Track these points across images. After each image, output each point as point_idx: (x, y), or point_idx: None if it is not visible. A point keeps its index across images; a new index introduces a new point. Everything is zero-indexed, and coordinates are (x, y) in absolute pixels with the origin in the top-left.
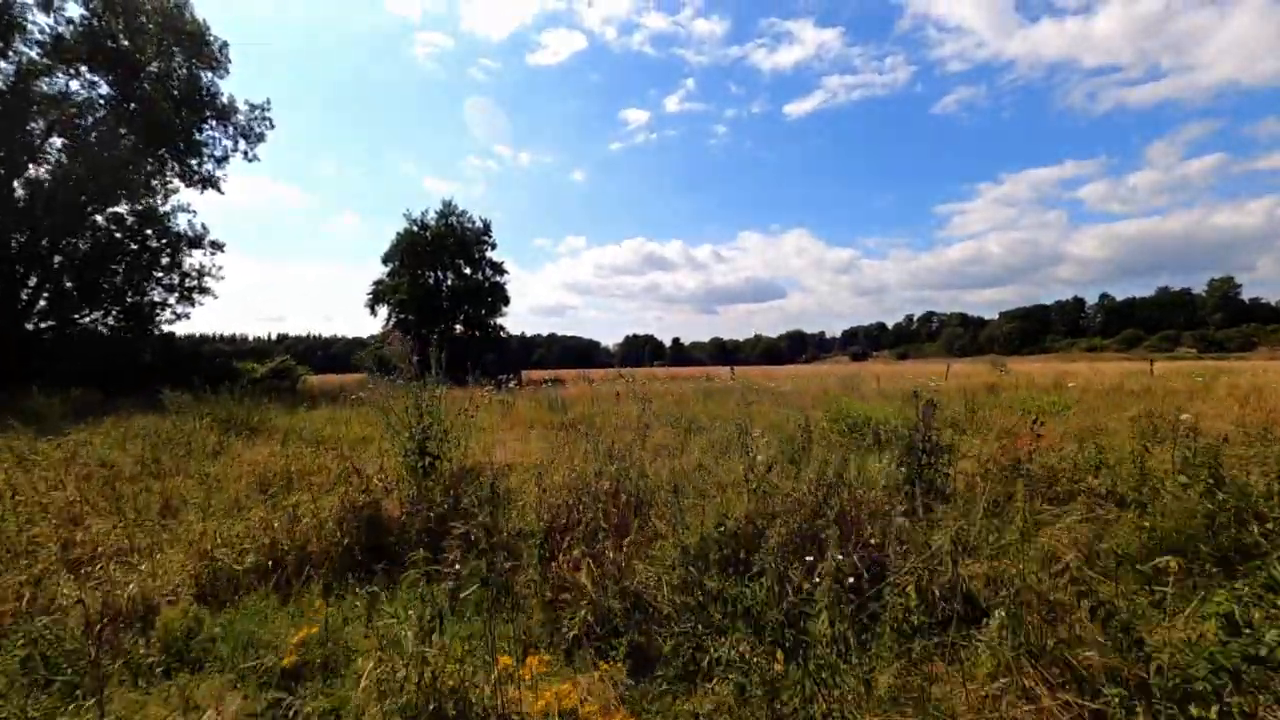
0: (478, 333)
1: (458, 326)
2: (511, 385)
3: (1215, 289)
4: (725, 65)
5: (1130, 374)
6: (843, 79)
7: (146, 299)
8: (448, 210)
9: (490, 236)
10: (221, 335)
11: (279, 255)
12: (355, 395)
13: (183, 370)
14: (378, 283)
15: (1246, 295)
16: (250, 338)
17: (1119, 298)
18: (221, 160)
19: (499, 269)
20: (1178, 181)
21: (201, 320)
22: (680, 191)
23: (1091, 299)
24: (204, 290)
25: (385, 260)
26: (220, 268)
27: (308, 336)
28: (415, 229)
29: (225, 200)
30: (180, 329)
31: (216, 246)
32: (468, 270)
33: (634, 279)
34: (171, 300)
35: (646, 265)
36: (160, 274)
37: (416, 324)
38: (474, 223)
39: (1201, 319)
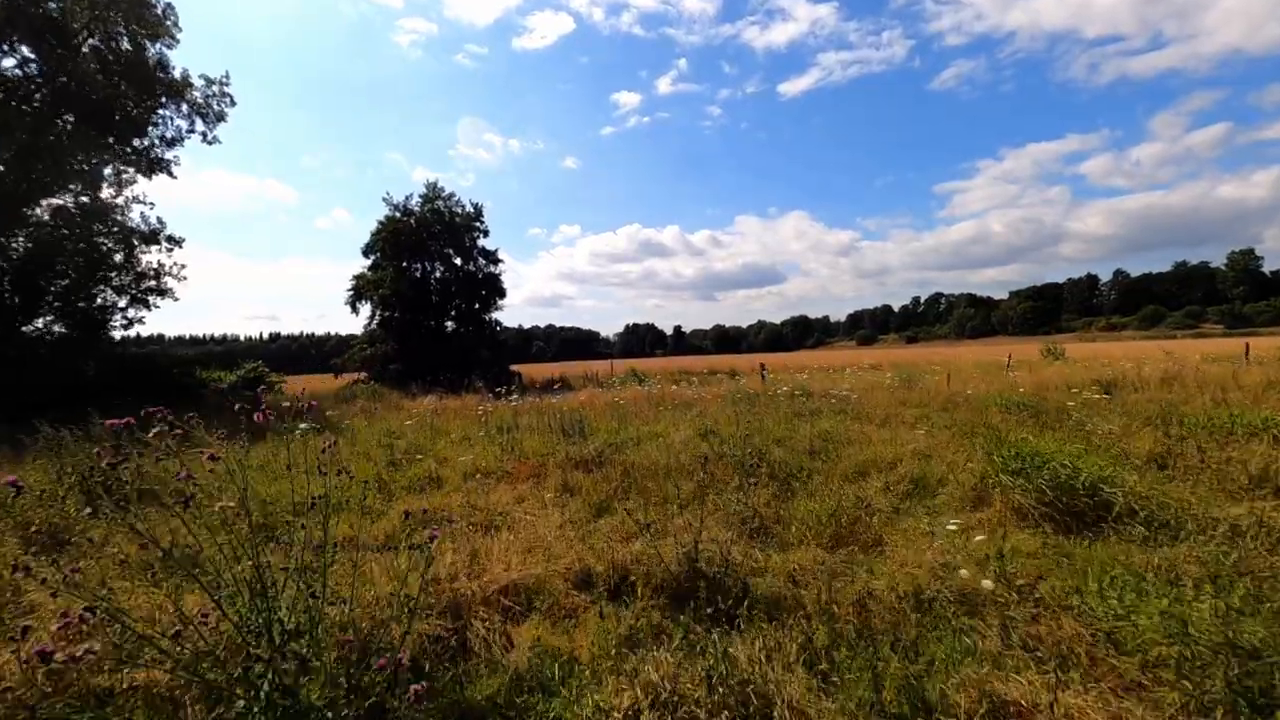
0: (471, 329)
1: (449, 323)
2: (512, 395)
3: (1236, 262)
4: (717, 44)
5: (1231, 356)
6: (838, 55)
7: (96, 304)
8: (433, 194)
9: (482, 222)
10: (211, 337)
11: (270, 254)
12: (310, 427)
13: (134, 384)
14: (358, 277)
15: (1266, 268)
16: (242, 338)
17: (1133, 274)
18: (174, 142)
19: (492, 258)
20: (1182, 153)
21: (186, 323)
22: (675, 176)
23: (1102, 276)
24: (162, 291)
25: (366, 252)
26: (182, 266)
27: (301, 335)
28: (398, 216)
29: (213, 200)
30: (164, 332)
31: (174, 242)
32: (458, 260)
33: (631, 267)
34: (123, 303)
35: (643, 252)
36: (112, 274)
37: (402, 321)
38: (463, 207)
39: (1222, 294)
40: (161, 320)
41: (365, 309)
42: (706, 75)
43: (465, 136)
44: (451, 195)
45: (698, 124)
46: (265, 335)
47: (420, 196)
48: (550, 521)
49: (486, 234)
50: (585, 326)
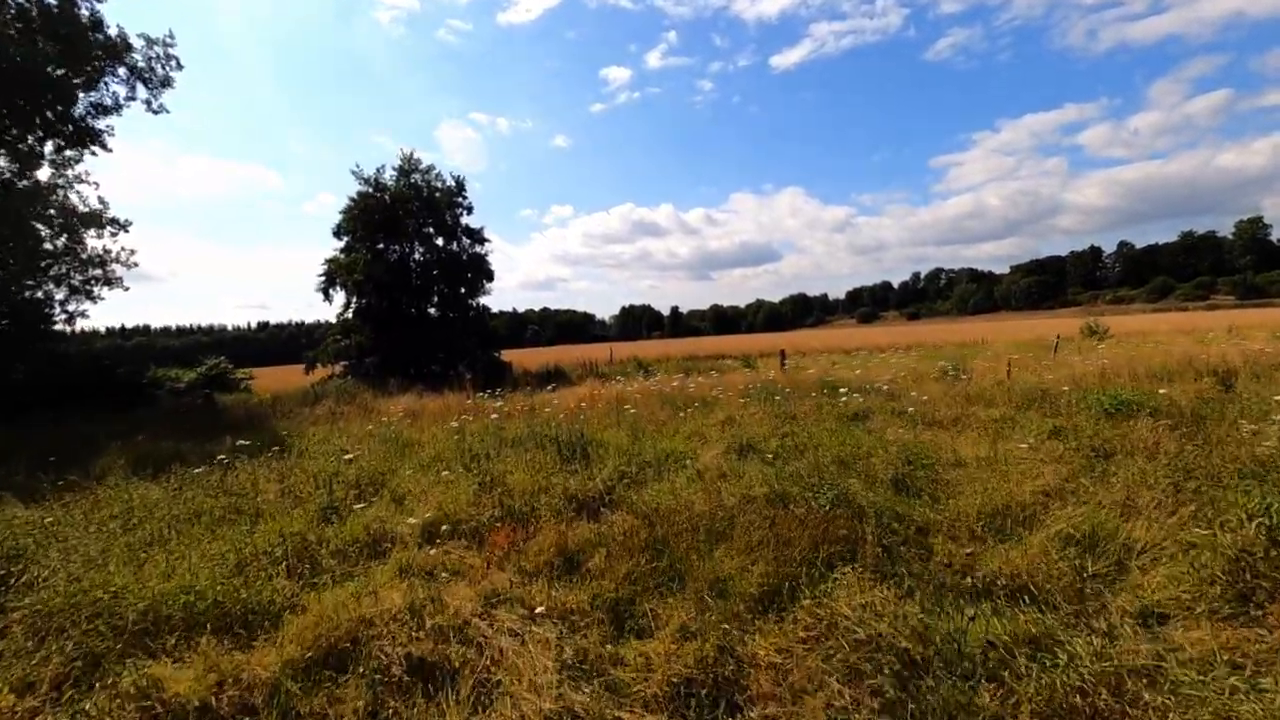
0: (456, 315)
1: (431, 309)
2: (499, 392)
3: (1243, 231)
4: (707, 16)
5: None
6: (831, 26)
7: (27, 296)
8: (409, 166)
9: (464, 197)
10: (199, 327)
11: (259, 241)
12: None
13: (76, 387)
14: (330, 261)
15: (1274, 236)
16: (230, 328)
17: (1138, 245)
18: (109, 109)
19: (478, 237)
20: (1181, 121)
21: (174, 314)
22: (667, 153)
23: (1103, 248)
24: (110, 281)
25: (337, 233)
26: (132, 252)
27: (290, 324)
28: (370, 191)
29: (197, 188)
30: (149, 323)
31: (119, 225)
32: (439, 240)
33: (624, 247)
34: (61, 295)
35: (637, 232)
36: (50, 263)
37: (378, 308)
38: (443, 181)
39: (1229, 264)
40: (146, 311)
41: (339, 296)
42: (697, 48)
43: (451, 115)
44: (430, 168)
45: (689, 99)
46: (254, 325)
47: (394, 169)
48: (539, 662)
49: (470, 210)
50: (580, 309)
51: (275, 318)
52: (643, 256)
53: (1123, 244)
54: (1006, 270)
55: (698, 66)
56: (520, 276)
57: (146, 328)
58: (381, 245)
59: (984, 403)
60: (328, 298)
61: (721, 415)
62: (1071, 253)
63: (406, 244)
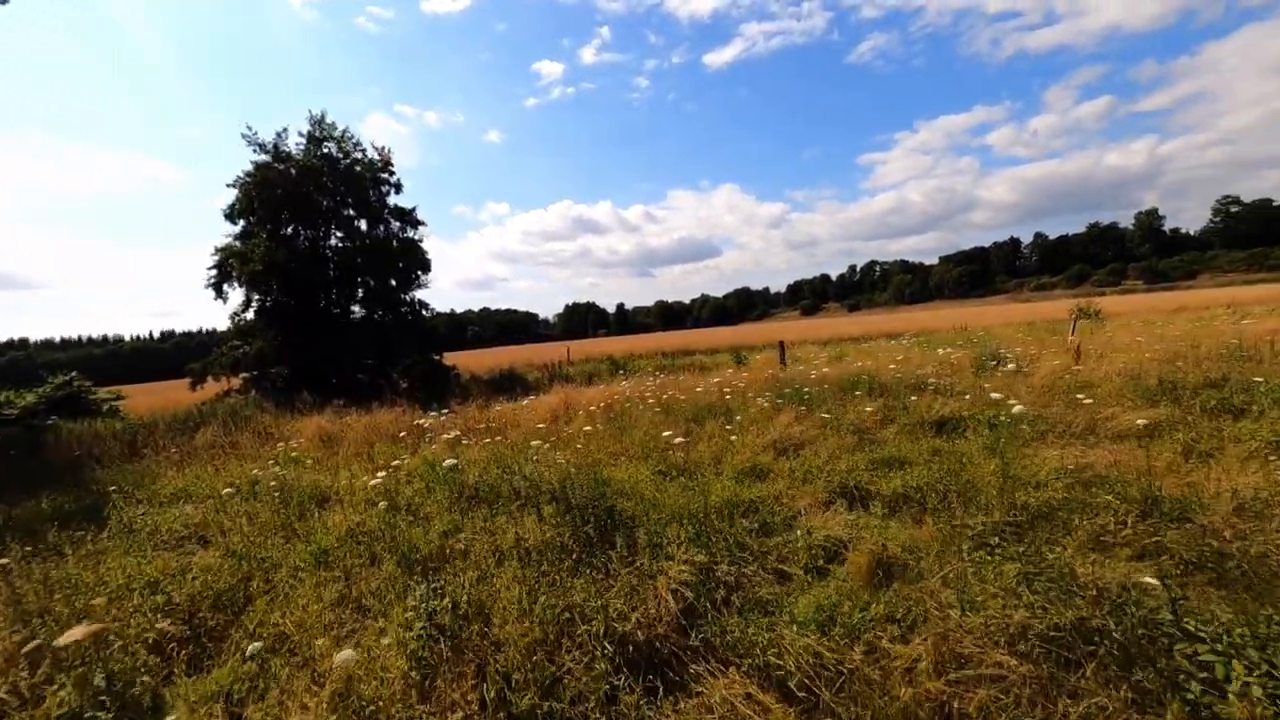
0: (387, 313)
1: (355, 306)
2: (446, 411)
3: (1142, 222)
4: (641, 13)
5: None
6: (761, 26)
7: None
8: (320, 132)
9: (392, 173)
10: (90, 338)
11: (169, 242)
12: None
13: None
14: (222, 249)
15: (1166, 227)
16: (128, 338)
17: (1051, 236)
18: None
19: (410, 219)
20: (1073, 124)
21: (60, 324)
22: (605, 149)
23: (1017, 239)
24: None
25: (231, 215)
26: None
27: (200, 332)
28: (269, 161)
29: (92, 184)
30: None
31: None
32: (362, 223)
33: (565, 245)
34: None
35: (577, 229)
36: None
37: (285, 306)
38: (364, 152)
39: (1130, 252)
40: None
41: (236, 293)
42: (631, 45)
43: (375, 106)
44: (347, 134)
45: (625, 95)
46: (158, 333)
47: (302, 135)
48: None
49: (399, 189)
50: (522, 308)
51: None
52: (584, 254)
53: (1038, 235)
54: (935, 262)
55: (633, 63)
56: (457, 275)
57: (23, 341)
58: (289, 229)
59: (1103, 397)
60: (220, 295)
61: (769, 433)
62: (994, 243)
63: (321, 227)
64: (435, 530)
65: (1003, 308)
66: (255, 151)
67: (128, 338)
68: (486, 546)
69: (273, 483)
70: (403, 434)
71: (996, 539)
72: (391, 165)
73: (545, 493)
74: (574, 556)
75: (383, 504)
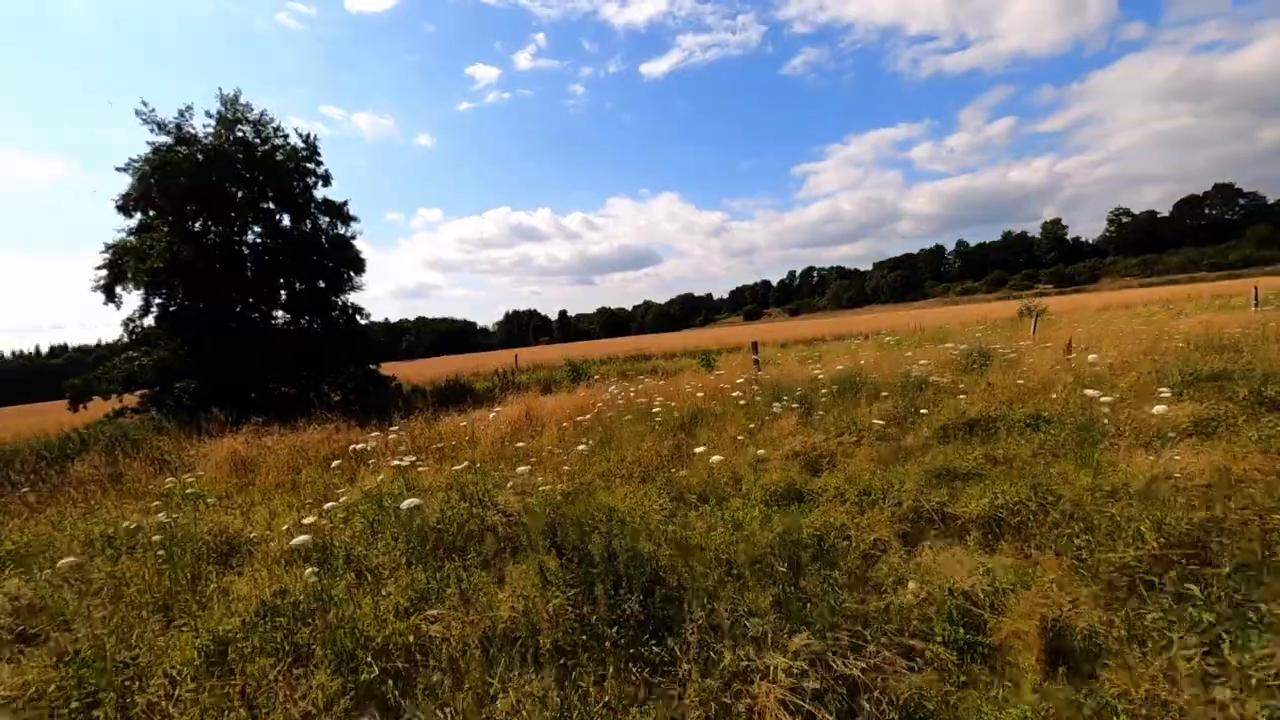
0: (316, 319)
1: (279, 311)
2: (390, 427)
3: (1049, 231)
4: (576, 20)
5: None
6: (697, 38)
7: None
8: (235, 113)
9: (319, 163)
10: None
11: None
12: None
13: None
14: (114, 247)
15: (1069, 236)
16: (8, 354)
17: (971, 244)
18: None
19: (340, 214)
20: (984, 142)
21: None
22: (542, 156)
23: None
24: None
25: (124, 206)
26: None
27: (98, 345)
28: (172, 145)
29: None
30: None
31: None
32: (286, 218)
33: (503, 252)
34: None
35: (515, 236)
36: None
37: (195, 312)
38: (285, 137)
39: (1038, 258)
40: None
41: (132, 297)
42: (567, 52)
43: (299, 109)
44: (265, 117)
45: (562, 102)
46: (44, 349)
47: (211, 115)
48: None
49: (328, 181)
50: (460, 317)
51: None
52: (523, 261)
53: (960, 243)
54: (868, 268)
55: (569, 70)
56: (390, 284)
57: None
58: (196, 223)
59: (1125, 391)
60: (111, 298)
61: (784, 443)
62: (921, 250)
63: (236, 221)
64: (391, 601)
65: (942, 310)
66: (153, 131)
67: (8, 354)
68: (471, 631)
69: (156, 535)
70: (336, 462)
71: (1187, 585)
72: (319, 154)
73: (537, 532)
74: (607, 645)
75: (309, 572)
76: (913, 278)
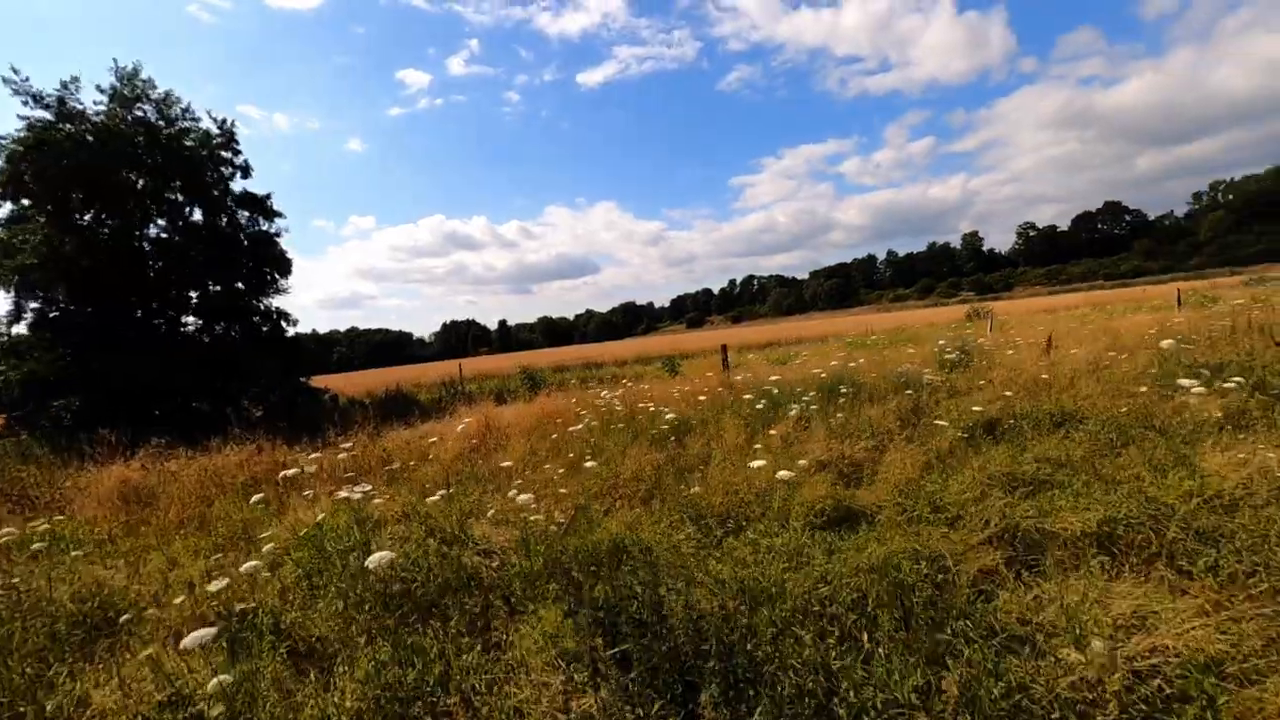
0: (234, 325)
1: (190, 318)
2: (324, 445)
3: (968, 242)
4: (509, 27)
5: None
6: (632, 50)
7: None
8: (133, 90)
9: (236, 151)
10: None
11: None
12: None
13: None
14: None
15: (985, 247)
16: None
17: (900, 253)
18: None
19: (262, 208)
20: (907, 159)
21: None
22: (477, 163)
23: (867, 259)
24: None
25: None
26: None
27: None
28: (53, 121)
29: None
30: None
31: None
32: (197, 212)
33: (437, 261)
34: None
35: (450, 245)
36: None
37: (82, 317)
38: (195, 120)
39: (959, 267)
40: None
41: (1, 301)
42: (501, 59)
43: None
44: (172, 96)
45: (497, 109)
46: None
47: (104, 91)
48: None
49: (247, 172)
50: (395, 327)
51: None
52: (458, 270)
53: (890, 253)
54: (805, 276)
55: (504, 77)
56: (319, 293)
57: None
58: (83, 215)
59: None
60: None
61: (804, 452)
62: (855, 260)
63: (136, 213)
64: (347, 703)
65: (884, 315)
66: (28, 105)
67: None
68: None
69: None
70: (257, 495)
71: None
72: (236, 142)
73: (538, 577)
74: None
75: (224, 678)
76: (847, 286)
